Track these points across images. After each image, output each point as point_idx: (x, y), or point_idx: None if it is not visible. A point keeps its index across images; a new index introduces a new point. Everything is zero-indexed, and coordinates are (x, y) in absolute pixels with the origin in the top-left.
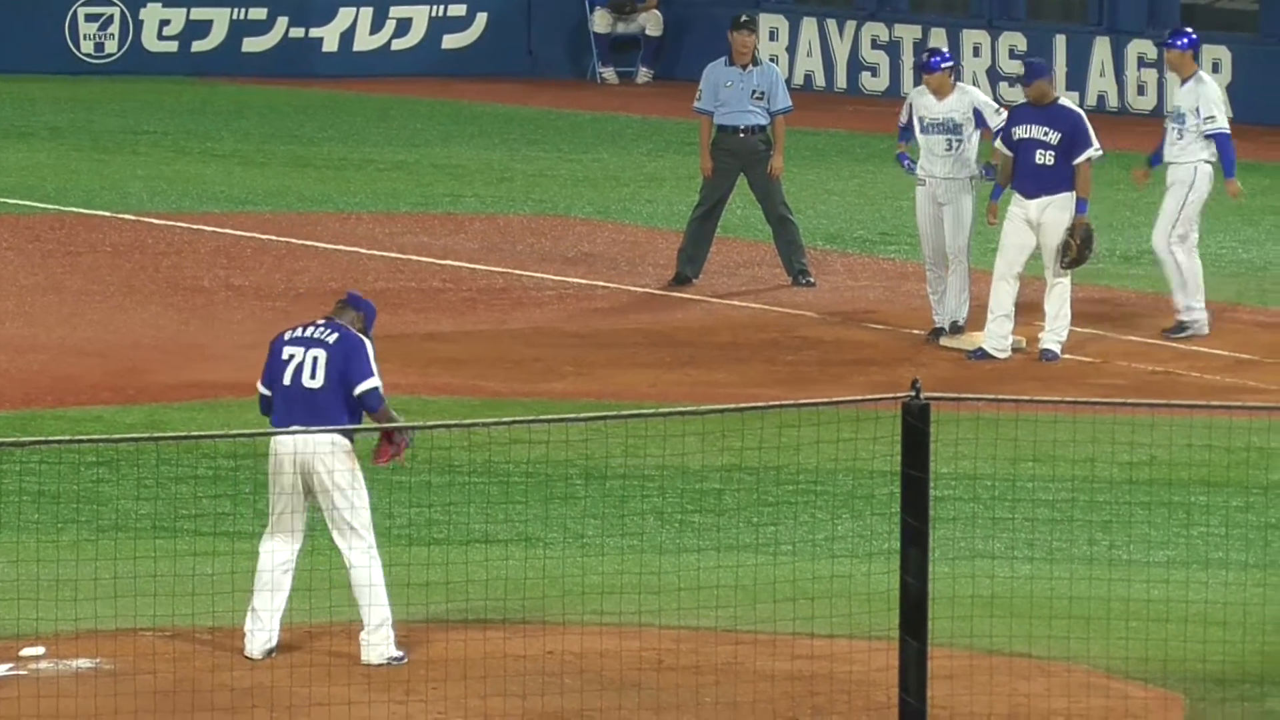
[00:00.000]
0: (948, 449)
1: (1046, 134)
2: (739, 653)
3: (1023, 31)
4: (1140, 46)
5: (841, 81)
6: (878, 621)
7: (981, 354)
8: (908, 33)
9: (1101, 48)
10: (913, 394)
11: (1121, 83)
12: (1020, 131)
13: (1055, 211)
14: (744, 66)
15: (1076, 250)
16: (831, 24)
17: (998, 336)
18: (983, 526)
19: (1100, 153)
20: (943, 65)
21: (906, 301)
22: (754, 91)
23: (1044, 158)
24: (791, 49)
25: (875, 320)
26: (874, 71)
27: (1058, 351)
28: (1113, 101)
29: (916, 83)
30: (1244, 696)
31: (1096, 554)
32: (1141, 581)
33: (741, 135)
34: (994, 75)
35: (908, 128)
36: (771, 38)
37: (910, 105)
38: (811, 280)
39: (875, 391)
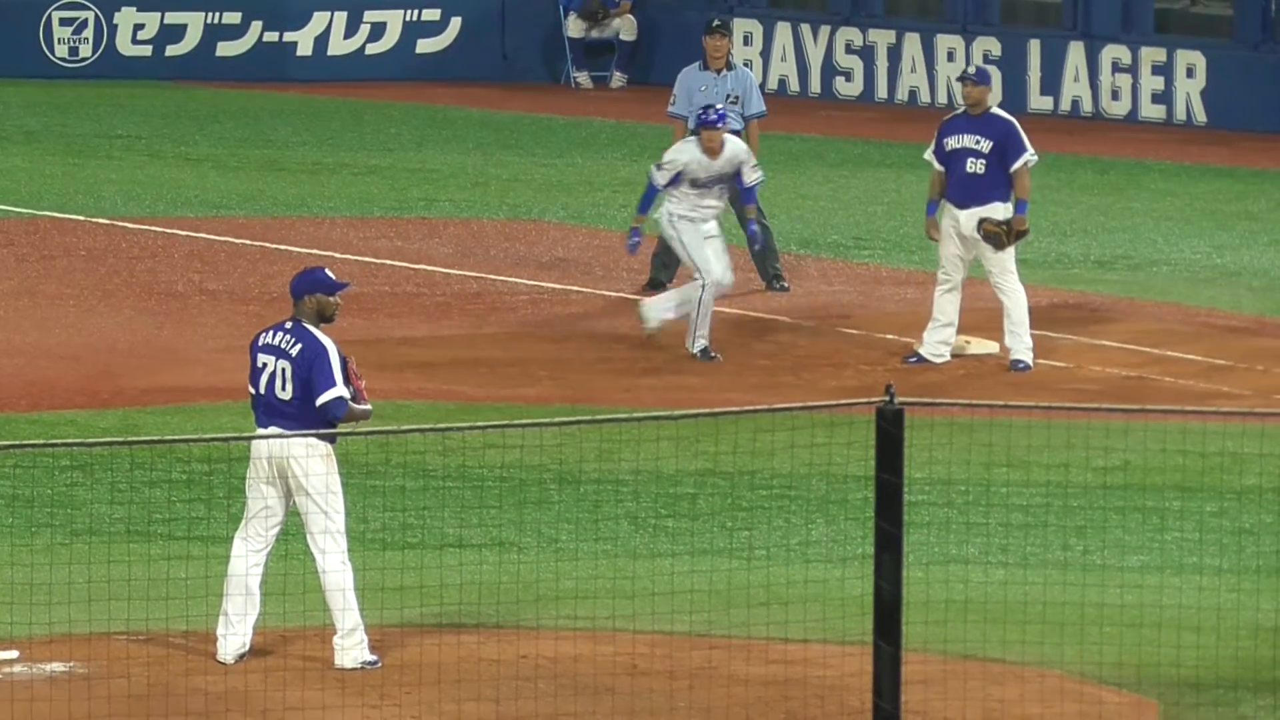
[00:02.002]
0: (922, 454)
1: (978, 142)
2: (713, 657)
3: (997, 36)
4: (1114, 52)
5: (815, 86)
6: (852, 626)
7: (918, 359)
8: (882, 38)
9: (1076, 52)
10: (887, 399)
11: (1095, 88)
12: (952, 142)
13: (985, 217)
14: (718, 71)
15: (1007, 240)
16: (805, 29)
17: (935, 343)
18: (957, 531)
19: (1036, 157)
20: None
21: (881, 306)
22: (728, 96)
23: (975, 166)
24: (765, 54)
25: (849, 325)
26: (848, 76)
27: (1029, 362)
28: (1087, 107)
29: (892, 91)
30: (1218, 702)
31: (1070, 559)
32: (1115, 587)
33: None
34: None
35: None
36: (746, 42)
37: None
38: (786, 285)
39: (849, 396)
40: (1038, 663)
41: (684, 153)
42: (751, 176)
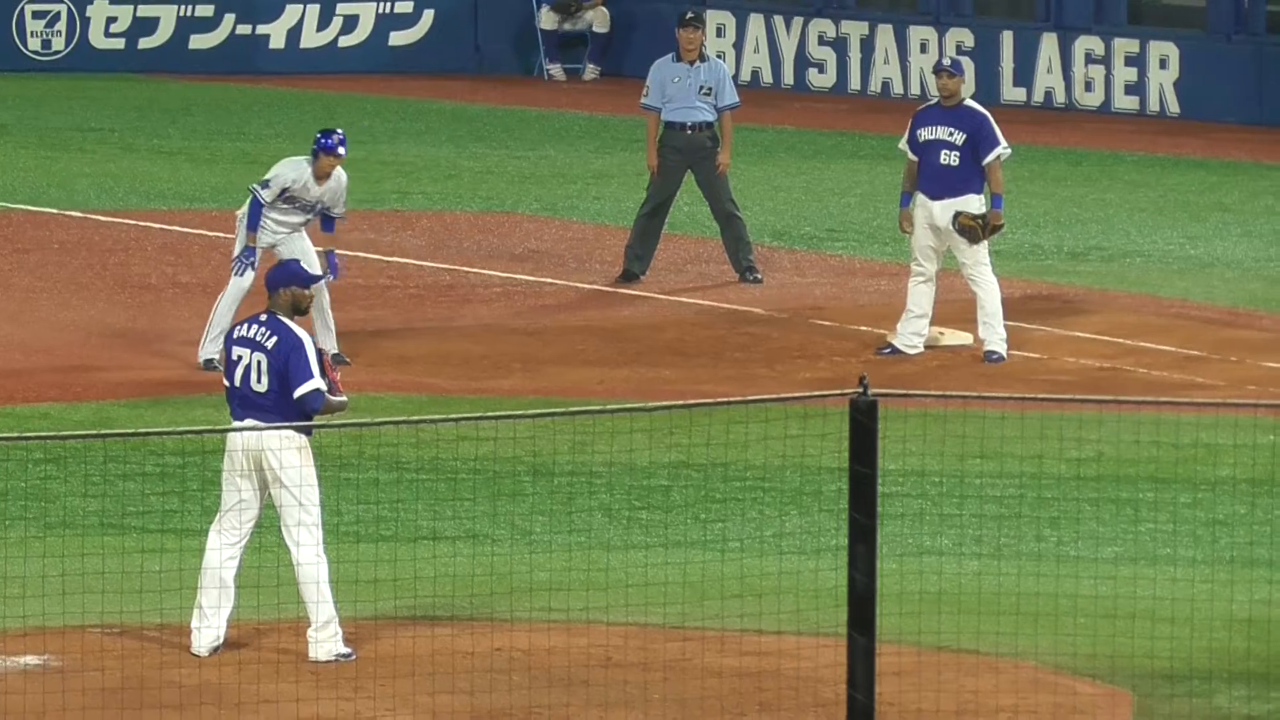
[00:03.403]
0: (896, 445)
1: (951, 134)
2: (687, 649)
3: (970, 28)
4: (1087, 43)
5: (789, 78)
6: (825, 618)
7: (892, 350)
8: (855, 29)
9: (1049, 44)
10: (860, 390)
11: (1069, 79)
12: (925, 133)
13: (959, 210)
14: (691, 63)
15: (982, 234)
16: (779, 20)
17: (909, 334)
18: (930, 523)
19: (1009, 151)
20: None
21: (854, 298)
22: (701, 87)
23: (949, 158)
24: (739, 45)
25: (823, 317)
26: (821, 68)
27: (1003, 353)
28: (1060, 98)
29: (865, 83)
30: (1192, 693)
31: (1045, 550)
32: (1090, 578)
33: (689, 132)
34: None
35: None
36: (719, 34)
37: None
38: (759, 277)
39: (823, 388)
40: (1012, 654)
41: (293, 170)
42: (339, 211)
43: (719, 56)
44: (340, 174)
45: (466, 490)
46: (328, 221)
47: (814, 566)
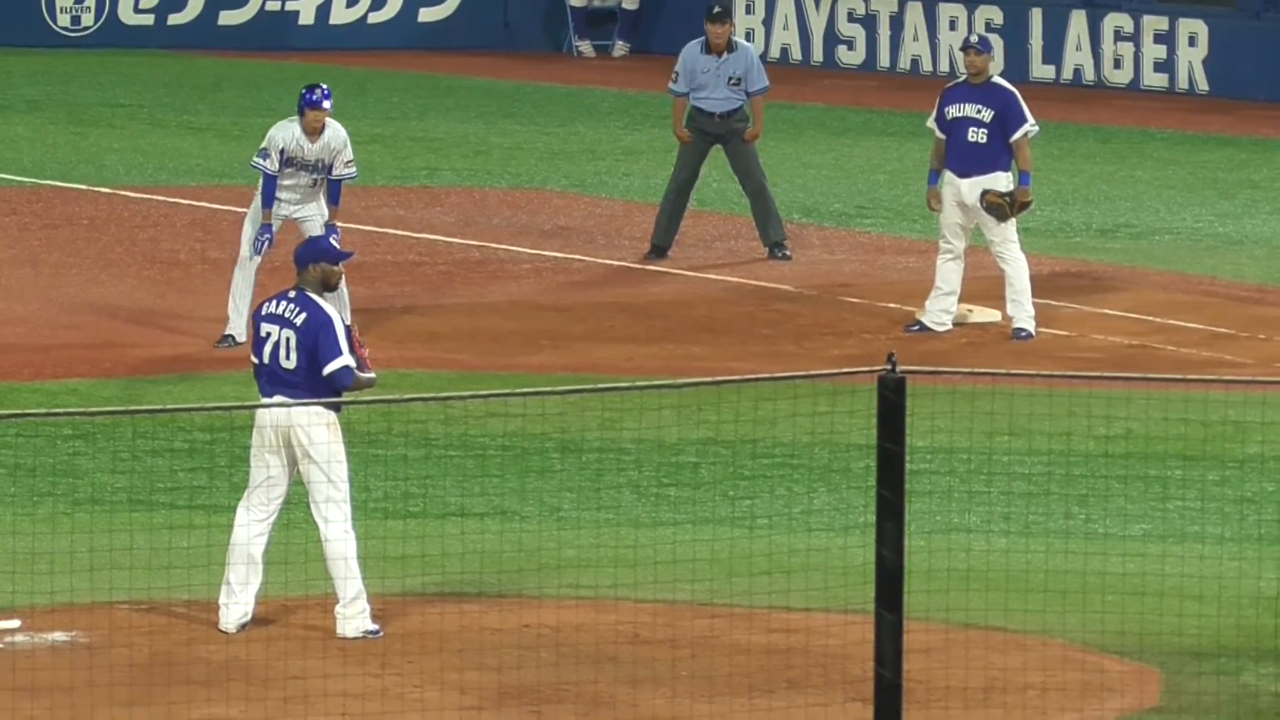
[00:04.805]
0: (924, 422)
1: (979, 111)
2: (715, 626)
3: (999, 5)
4: (1116, 20)
5: (818, 55)
6: (854, 595)
7: (920, 327)
8: (884, 6)
9: (1078, 21)
10: (889, 367)
11: (1097, 56)
12: (953, 110)
13: (987, 187)
14: (719, 54)
15: (1010, 211)
16: None
17: (937, 312)
18: (959, 500)
19: (1036, 128)
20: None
21: (883, 275)
22: (730, 78)
23: (977, 135)
24: (768, 22)
25: (851, 294)
26: (850, 45)
27: (1031, 330)
28: (1089, 75)
29: (894, 60)
30: (1220, 670)
31: (1073, 528)
32: (1118, 555)
33: (718, 120)
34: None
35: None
36: (748, 11)
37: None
38: (788, 254)
39: (851, 365)
40: (1040, 631)
41: (281, 131)
42: (346, 172)
43: (748, 37)
44: (336, 128)
45: (495, 467)
46: (334, 188)
47: (842, 544)
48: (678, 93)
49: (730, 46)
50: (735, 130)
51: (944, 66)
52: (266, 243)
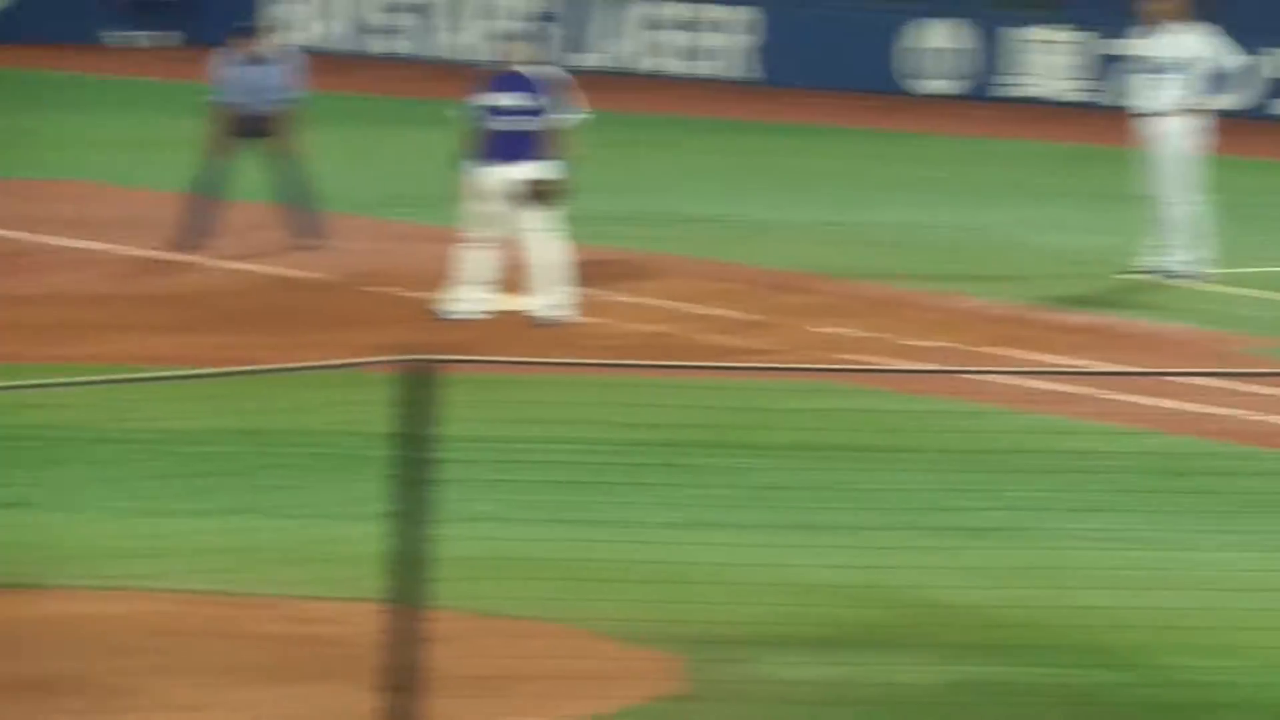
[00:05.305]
0: (451, 411)
1: (522, 99)
2: (239, 616)
3: None
4: (662, 9)
5: (352, 44)
6: (374, 584)
7: (450, 315)
8: None
9: (625, 9)
10: (415, 356)
11: (643, 43)
12: (495, 99)
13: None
14: (259, 63)
15: (546, 199)
16: None
17: (468, 299)
18: (486, 489)
19: (580, 116)
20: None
21: (412, 264)
22: (269, 82)
23: (517, 123)
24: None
25: (380, 283)
26: (389, 34)
27: (562, 317)
28: (627, 61)
29: (433, 48)
30: (745, 658)
31: (602, 516)
32: (645, 543)
33: (255, 120)
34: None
35: None
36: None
37: None
38: (318, 243)
39: (379, 353)
40: (566, 620)
41: None
42: None
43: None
44: None
45: (16, 459)
46: None
47: (364, 532)
48: (218, 102)
49: (265, 54)
50: (272, 124)
51: (486, 54)
52: None
